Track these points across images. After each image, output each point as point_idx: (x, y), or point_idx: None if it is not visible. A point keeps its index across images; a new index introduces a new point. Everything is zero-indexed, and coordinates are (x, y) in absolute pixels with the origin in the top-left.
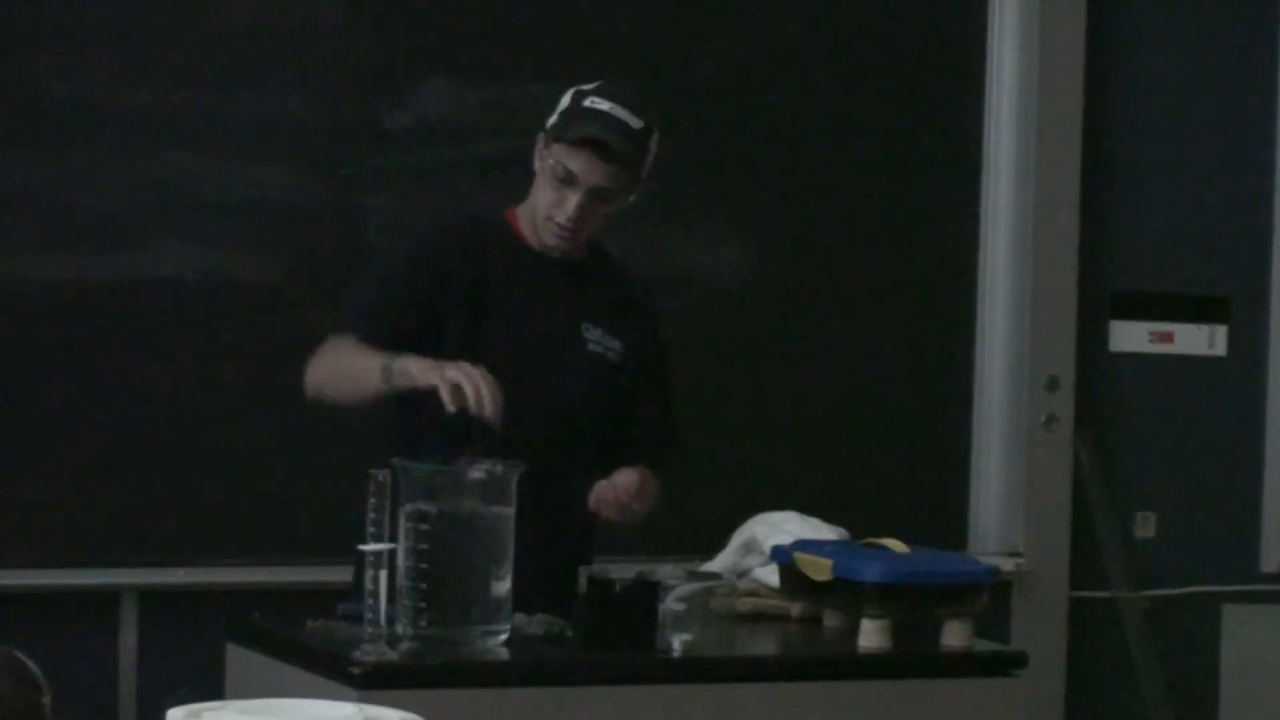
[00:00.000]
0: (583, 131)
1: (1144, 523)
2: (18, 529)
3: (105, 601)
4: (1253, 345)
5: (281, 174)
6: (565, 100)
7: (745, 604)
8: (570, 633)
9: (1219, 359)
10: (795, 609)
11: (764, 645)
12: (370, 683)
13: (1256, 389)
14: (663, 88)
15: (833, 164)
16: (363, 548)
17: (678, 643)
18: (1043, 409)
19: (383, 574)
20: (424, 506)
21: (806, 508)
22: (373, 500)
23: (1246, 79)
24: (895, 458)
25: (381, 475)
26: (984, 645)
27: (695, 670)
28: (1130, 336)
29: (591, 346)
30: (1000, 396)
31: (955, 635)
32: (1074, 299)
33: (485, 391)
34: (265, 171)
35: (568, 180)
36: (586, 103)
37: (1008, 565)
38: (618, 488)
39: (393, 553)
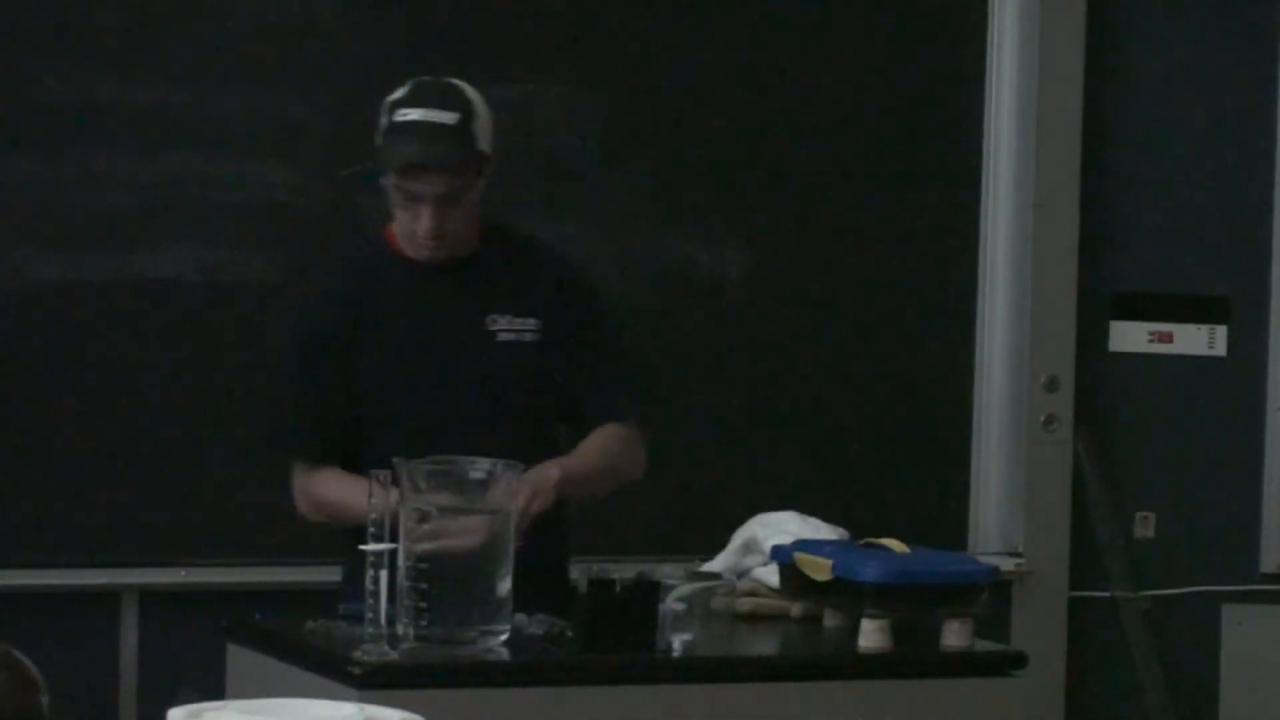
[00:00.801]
0: (401, 157)
1: (1144, 523)
2: (18, 529)
3: (105, 601)
4: (1253, 345)
5: (281, 174)
6: (382, 118)
7: (745, 604)
8: (570, 633)
9: (1219, 359)
10: (795, 609)
11: (764, 645)
12: (370, 683)
13: (1256, 389)
14: (663, 87)
15: (833, 163)
16: (363, 548)
17: (678, 643)
18: (1043, 409)
19: (383, 574)
20: (424, 506)
21: (806, 508)
22: (373, 500)
23: (1246, 79)
24: (895, 458)
25: (382, 475)
26: (984, 645)
27: (695, 670)
28: (1130, 336)
29: (502, 336)
30: (1000, 396)
31: (955, 635)
32: (1074, 299)
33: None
34: (265, 171)
35: (413, 198)
36: (398, 117)
37: (1008, 565)
38: None
39: (393, 553)
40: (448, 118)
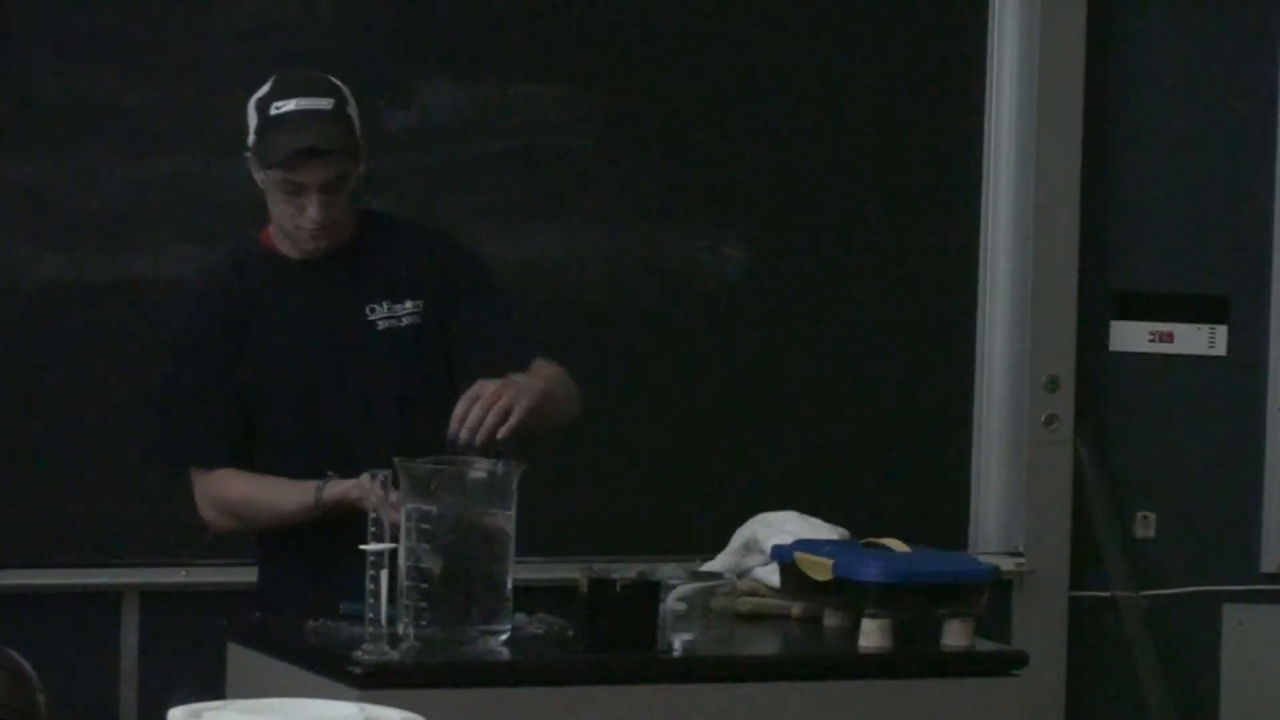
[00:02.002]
0: (287, 147)
1: (1144, 523)
2: (18, 529)
3: (106, 601)
4: (1253, 345)
5: None
6: (252, 117)
7: (745, 604)
8: (570, 632)
9: (1219, 359)
10: (795, 609)
11: (764, 645)
12: (371, 682)
13: (1256, 389)
14: (663, 87)
15: (833, 163)
16: (363, 548)
17: (678, 643)
18: (1043, 409)
19: (383, 574)
20: (424, 506)
21: (806, 508)
22: (373, 500)
23: (1246, 79)
24: (895, 458)
25: (382, 475)
26: (984, 645)
27: (695, 670)
28: (1130, 336)
29: (381, 325)
30: (1000, 396)
31: (955, 635)
32: (1074, 299)
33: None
34: None
35: (298, 190)
36: (273, 111)
37: (1008, 565)
38: (473, 405)
39: (393, 552)
40: (324, 104)
